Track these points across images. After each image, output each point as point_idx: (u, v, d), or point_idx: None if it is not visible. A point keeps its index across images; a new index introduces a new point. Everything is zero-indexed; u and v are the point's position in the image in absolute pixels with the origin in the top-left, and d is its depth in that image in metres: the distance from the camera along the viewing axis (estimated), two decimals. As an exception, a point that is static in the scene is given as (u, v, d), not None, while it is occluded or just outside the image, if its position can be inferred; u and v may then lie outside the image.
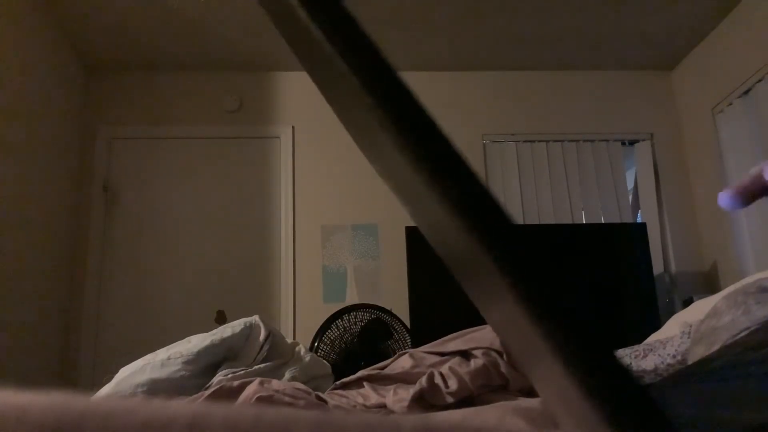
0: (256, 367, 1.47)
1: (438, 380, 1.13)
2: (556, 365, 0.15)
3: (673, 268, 3.56)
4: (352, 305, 2.91)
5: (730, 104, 3.28)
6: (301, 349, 1.68)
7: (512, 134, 3.71)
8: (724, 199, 0.43)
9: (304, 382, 1.43)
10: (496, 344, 1.21)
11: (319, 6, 0.18)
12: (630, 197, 3.77)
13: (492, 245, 0.16)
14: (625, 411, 0.14)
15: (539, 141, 3.71)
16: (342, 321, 2.84)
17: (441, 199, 0.17)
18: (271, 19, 0.24)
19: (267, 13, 0.24)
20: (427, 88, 3.70)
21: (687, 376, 0.69)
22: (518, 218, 3.57)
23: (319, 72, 0.21)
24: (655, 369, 1.19)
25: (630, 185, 3.80)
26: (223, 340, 1.49)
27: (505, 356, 1.20)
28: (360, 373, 1.31)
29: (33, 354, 2.89)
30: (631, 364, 1.24)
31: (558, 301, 0.15)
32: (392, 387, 1.20)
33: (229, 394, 1.15)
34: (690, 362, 1.03)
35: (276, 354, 1.57)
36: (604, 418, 0.14)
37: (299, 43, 0.21)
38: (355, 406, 1.17)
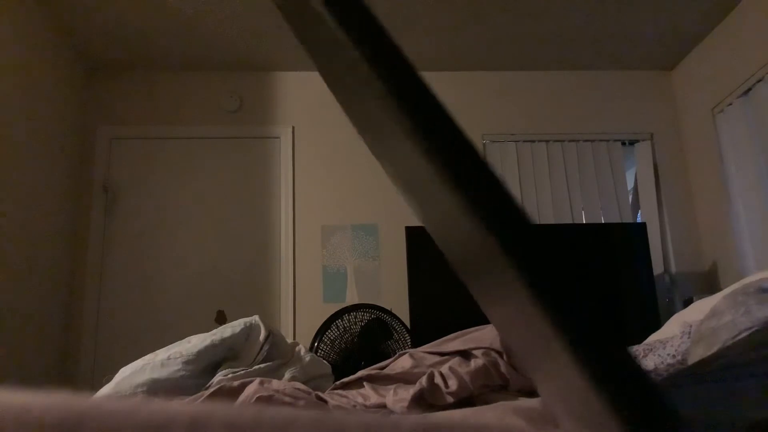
0: (256, 367, 1.47)
1: (438, 380, 1.13)
2: (564, 360, 0.15)
3: (673, 268, 3.56)
4: (352, 305, 2.91)
5: (730, 104, 3.28)
6: (301, 349, 1.68)
7: (512, 134, 3.71)
8: None
9: (304, 382, 1.43)
10: (496, 344, 1.21)
11: None
12: (630, 197, 3.76)
13: (509, 240, 0.16)
14: (635, 405, 0.14)
15: (539, 141, 3.71)
16: (342, 321, 2.83)
17: (455, 192, 0.16)
18: (281, 8, 0.24)
19: (276, 2, 0.24)
20: (427, 88, 3.69)
21: (687, 376, 0.69)
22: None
23: (329, 61, 0.21)
24: (655, 369, 1.19)
25: (630, 185, 3.80)
26: (223, 340, 1.49)
27: (505, 356, 1.20)
28: (360, 373, 1.31)
29: (33, 354, 2.89)
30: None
31: (572, 297, 0.15)
32: (392, 387, 1.20)
33: (229, 394, 1.15)
34: (690, 362, 1.03)
35: (276, 354, 1.57)
36: (613, 412, 0.14)
37: (309, 30, 0.21)
38: (355, 406, 1.17)
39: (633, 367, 0.14)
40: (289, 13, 0.23)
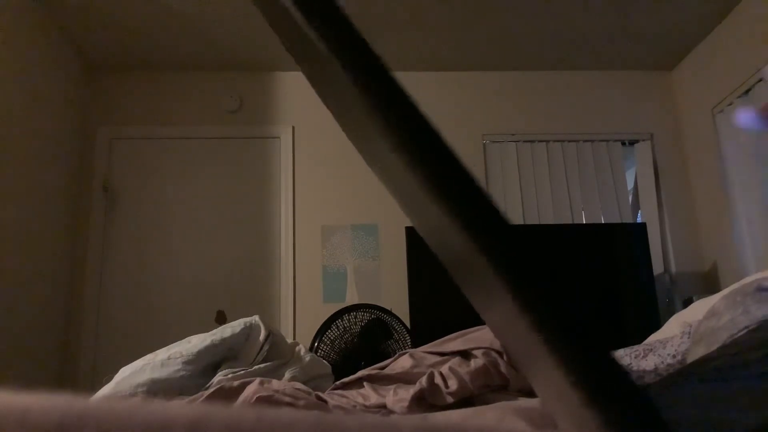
0: (256, 367, 1.47)
1: (438, 380, 1.13)
2: (554, 368, 0.15)
3: (673, 268, 3.56)
4: (352, 305, 2.91)
5: (730, 104, 3.28)
6: (301, 349, 1.68)
7: (512, 134, 3.71)
8: (744, 117, 0.40)
9: (304, 382, 1.43)
10: (496, 344, 1.21)
11: (313, 7, 0.18)
12: (630, 197, 3.76)
13: (488, 247, 0.16)
14: (622, 414, 0.14)
15: (539, 141, 3.71)
16: (342, 321, 2.83)
17: (437, 201, 0.16)
18: (267, 20, 0.24)
19: (263, 14, 0.24)
20: (427, 88, 3.70)
21: (687, 376, 0.69)
22: (518, 218, 3.57)
23: (315, 73, 0.21)
24: (655, 369, 1.19)
25: (630, 185, 3.80)
26: (223, 340, 1.49)
27: (505, 356, 1.20)
28: (360, 373, 1.31)
29: (33, 354, 2.89)
30: (631, 364, 1.24)
31: (555, 303, 0.15)
32: (392, 387, 1.20)
33: (229, 394, 1.15)
34: (690, 362, 1.03)
35: (276, 354, 1.57)
36: (602, 421, 0.14)
37: (295, 44, 0.21)
38: (355, 406, 1.17)
39: (620, 374, 0.14)
40: (273, 23, 0.23)
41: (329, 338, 2.80)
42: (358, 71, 0.17)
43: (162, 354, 1.45)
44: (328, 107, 0.24)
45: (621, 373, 0.14)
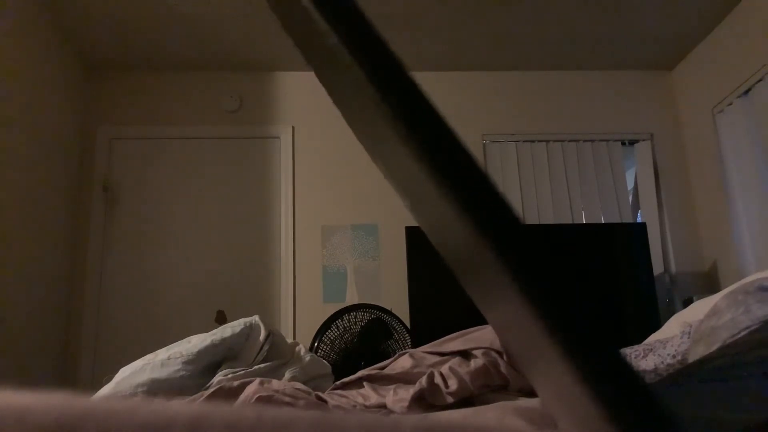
0: (256, 367, 1.47)
1: (438, 380, 1.13)
2: (559, 363, 0.15)
3: (673, 268, 3.56)
4: (352, 305, 2.91)
5: (730, 104, 3.28)
6: (301, 349, 1.68)
7: (512, 134, 3.71)
8: None
9: (304, 382, 1.43)
10: (496, 344, 1.21)
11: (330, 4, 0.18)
12: (630, 197, 3.76)
13: (500, 243, 0.16)
14: (628, 408, 0.14)
15: (539, 141, 3.71)
16: (342, 321, 2.83)
17: (448, 196, 0.16)
18: (275, 11, 0.24)
19: (271, 5, 0.24)
20: (427, 88, 3.69)
21: (687, 376, 0.69)
22: (518, 218, 3.56)
23: (324, 66, 0.21)
24: (655, 369, 1.19)
25: (630, 185, 3.80)
26: (223, 340, 1.49)
27: (505, 356, 1.20)
28: (360, 373, 1.31)
29: (33, 354, 2.89)
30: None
31: (564, 300, 0.15)
32: (392, 387, 1.20)
33: (229, 394, 1.15)
34: (690, 362, 1.03)
35: (276, 354, 1.57)
36: (607, 415, 0.14)
37: (304, 35, 0.21)
38: (355, 406, 1.17)
39: (627, 370, 0.14)
40: (282, 14, 0.23)
41: (329, 338, 2.80)
42: (371, 65, 0.17)
43: (162, 354, 1.45)
44: (334, 100, 0.24)
45: (628, 369, 0.14)
